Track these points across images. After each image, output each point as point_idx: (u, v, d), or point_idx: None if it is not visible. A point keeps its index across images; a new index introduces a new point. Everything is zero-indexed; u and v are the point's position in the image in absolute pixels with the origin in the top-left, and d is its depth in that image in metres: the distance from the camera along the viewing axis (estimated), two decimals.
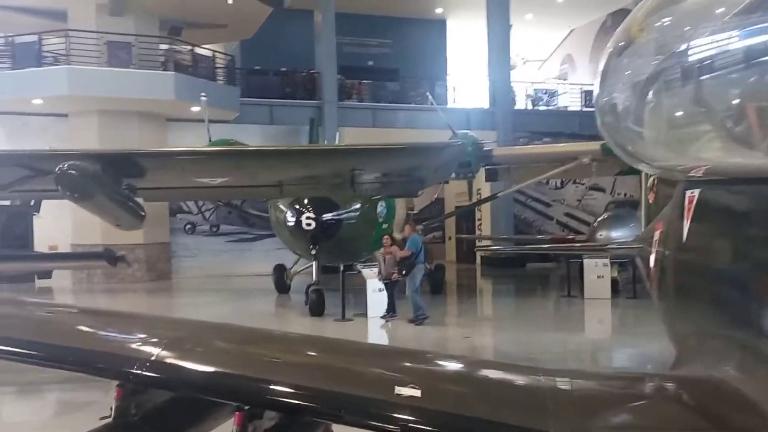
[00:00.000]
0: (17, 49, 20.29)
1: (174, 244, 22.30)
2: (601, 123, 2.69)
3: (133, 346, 2.77)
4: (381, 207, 15.48)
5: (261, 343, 2.93)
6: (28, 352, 2.72)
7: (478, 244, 24.40)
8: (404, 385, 2.31)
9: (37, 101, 19.62)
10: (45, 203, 18.89)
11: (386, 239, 13.03)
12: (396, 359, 2.81)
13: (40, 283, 20.18)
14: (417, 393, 2.25)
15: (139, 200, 9.92)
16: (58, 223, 19.52)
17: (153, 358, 2.52)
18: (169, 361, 2.54)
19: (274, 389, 2.37)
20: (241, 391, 2.43)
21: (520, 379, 2.56)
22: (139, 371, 2.49)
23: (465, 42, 29.03)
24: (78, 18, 20.59)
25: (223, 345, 2.85)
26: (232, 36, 24.54)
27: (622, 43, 2.52)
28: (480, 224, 26.01)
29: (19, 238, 20.87)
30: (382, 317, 12.83)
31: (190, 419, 2.93)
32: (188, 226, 22.65)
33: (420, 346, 10.84)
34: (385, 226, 15.51)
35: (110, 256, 14.22)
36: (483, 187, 20.93)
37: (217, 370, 2.51)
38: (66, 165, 7.99)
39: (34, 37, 20.27)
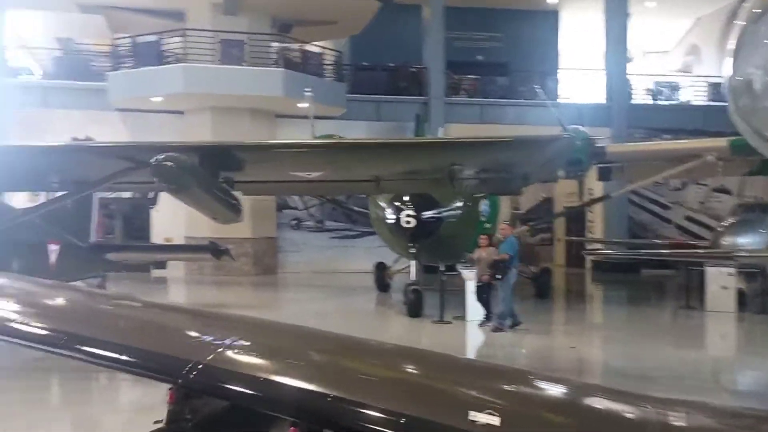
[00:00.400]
0: (140, 49, 21.23)
1: (280, 239, 22.65)
2: (734, 107, 2.17)
3: (187, 346, 2.50)
4: (484, 205, 14.91)
5: (328, 350, 2.58)
6: (70, 345, 2.51)
7: (588, 247, 23.20)
8: (481, 409, 1.91)
9: (156, 99, 20.43)
10: (162, 196, 19.70)
11: (483, 239, 12.47)
12: (478, 376, 2.39)
13: (155, 273, 21.12)
14: (495, 421, 1.88)
15: (237, 194, 9.98)
16: (174, 216, 20.21)
17: (208, 360, 2.24)
18: (222, 366, 2.25)
19: (334, 406, 2.05)
20: (298, 405, 2.12)
21: (623, 409, 2.10)
22: (190, 375, 2.22)
23: (579, 34, 27.74)
24: (195, 18, 21.28)
25: (288, 350, 2.52)
26: (341, 32, 24.65)
27: (759, 10, 1.99)
28: (591, 226, 24.77)
29: (139, 230, 22.01)
30: (480, 325, 12.22)
31: (246, 429, 2.65)
32: (294, 222, 23.00)
33: (520, 355, 10.27)
34: (488, 225, 14.92)
35: (215, 250, 14.67)
36: (595, 186, 19.82)
37: (276, 379, 2.19)
38: (162, 156, 8.05)
39: (155, 37, 21.15)
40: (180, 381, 2.29)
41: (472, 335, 11.94)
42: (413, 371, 2.46)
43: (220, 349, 2.37)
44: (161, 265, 20.54)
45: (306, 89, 16.28)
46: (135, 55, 21.17)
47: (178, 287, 19.75)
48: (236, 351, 2.42)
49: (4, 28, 22.64)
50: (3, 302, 2.84)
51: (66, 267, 12.39)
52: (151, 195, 20.49)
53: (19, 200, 15.27)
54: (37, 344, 2.68)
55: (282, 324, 2.80)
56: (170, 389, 2.41)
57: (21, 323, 2.69)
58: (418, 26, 24.23)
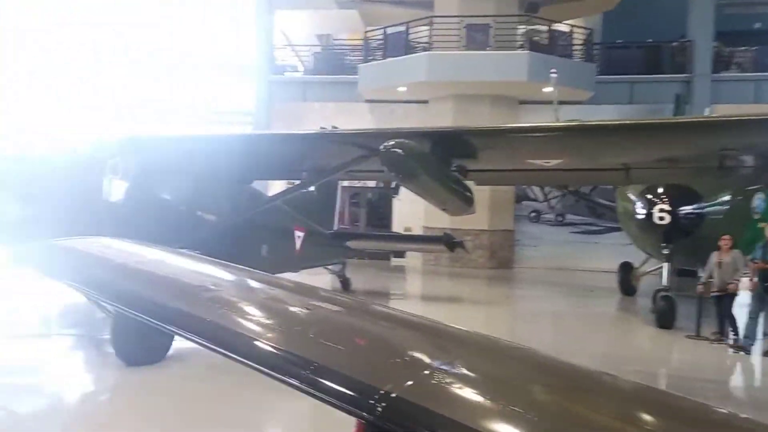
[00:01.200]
0: (389, 40, 21.74)
1: (517, 232, 21.73)
2: None
3: (384, 368, 1.90)
4: (758, 200, 12.58)
5: (558, 386, 1.82)
6: (245, 351, 2.08)
7: None
8: None
9: (401, 88, 20.73)
10: None
11: (725, 240, 10.40)
12: None
13: (394, 261, 21.63)
14: None
15: (470, 183, 9.43)
16: (414, 206, 20.40)
17: (403, 389, 1.63)
18: (418, 399, 1.62)
19: None
20: None
21: None
22: (376, 408, 1.64)
23: None
24: (442, 4, 21.13)
25: (508, 383, 1.80)
26: (593, 8, 22.83)
27: None
28: None
29: (382, 218, 22.74)
30: (737, 346, 10.05)
31: None
32: (533, 214, 21.91)
33: None
34: (762, 225, 12.57)
35: (449, 241, 14.39)
36: None
37: (486, 424, 1.53)
38: (391, 143, 7.73)
39: (403, 27, 21.48)
40: (364, 414, 1.69)
41: (735, 358, 9.88)
42: (656, 424, 1.66)
43: (423, 375, 1.72)
44: (400, 254, 21.00)
45: (552, 70, 15.15)
46: (384, 46, 21.69)
47: (414, 277, 19.90)
48: (441, 379, 1.74)
49: (273, 29, 24.72)
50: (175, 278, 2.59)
51: (310, 253, 12.95)
52: (393, 184, 21.04)
53: (276, 189, 16.34)
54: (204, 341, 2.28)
55: (506, 344, 2.02)
56: (358, 421, 1.87)
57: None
58: None
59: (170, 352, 8.25)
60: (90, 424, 6.36)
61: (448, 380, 1.66)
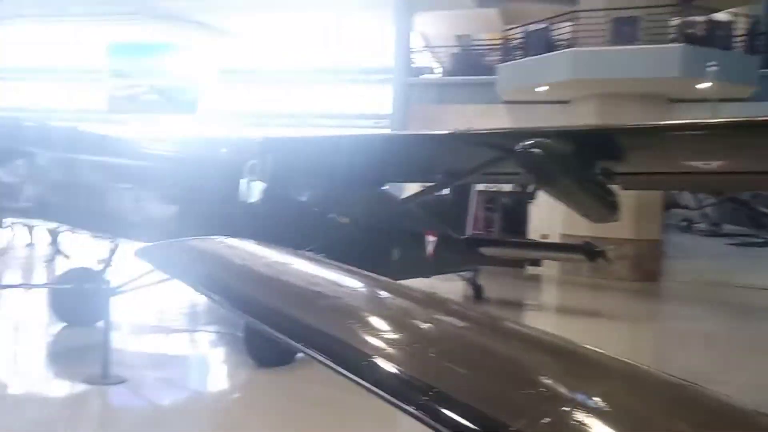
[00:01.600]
0: (530, 38, 21.01)
1: (665, 243, 20.18)
2: None
3: (514, 398, 1.59)
4: None
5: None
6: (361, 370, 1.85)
7: None
8: None
9: (542, 88, 19.94)
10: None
11: None
12: None
13: (529, 269, 20.80)
14: None
15: (615, 188, 8.69)
16: (551, 212, 19.53)
17: (542, 426, 1.35)
18: None
19: None
20: None
21: None
22: None
23: None
24: None
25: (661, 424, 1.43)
26: None
27: None
28: None
29: (518, 224, 22.02)
30: None
31: None
32: (683, 223, 20.24)
33: None
34: None
35: (589, 251, 13.56)
36: None
37: None
38: (529, 143, 7.24)
39: (545, 25, 20.66)
40: None
41: None
42: None
43: (562, 412, 1.40)
44: (536, 262, 20.18)
45: (710, 63, 13.83)
46: (525, 45, 21.02)
47: (550, 287, 19.05)
48: (585, 418, 1.40)
49: (411, 31, 24.75)
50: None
51: (442, 258, 12.64)
52: (530, 188, 20.25)
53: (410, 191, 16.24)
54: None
55: (664, 379, 1.61)
56: None
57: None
58: None
59: (300, 354, 8.26)
60: (224, 421, 6.52)
61: (593, 419, 1.31)
